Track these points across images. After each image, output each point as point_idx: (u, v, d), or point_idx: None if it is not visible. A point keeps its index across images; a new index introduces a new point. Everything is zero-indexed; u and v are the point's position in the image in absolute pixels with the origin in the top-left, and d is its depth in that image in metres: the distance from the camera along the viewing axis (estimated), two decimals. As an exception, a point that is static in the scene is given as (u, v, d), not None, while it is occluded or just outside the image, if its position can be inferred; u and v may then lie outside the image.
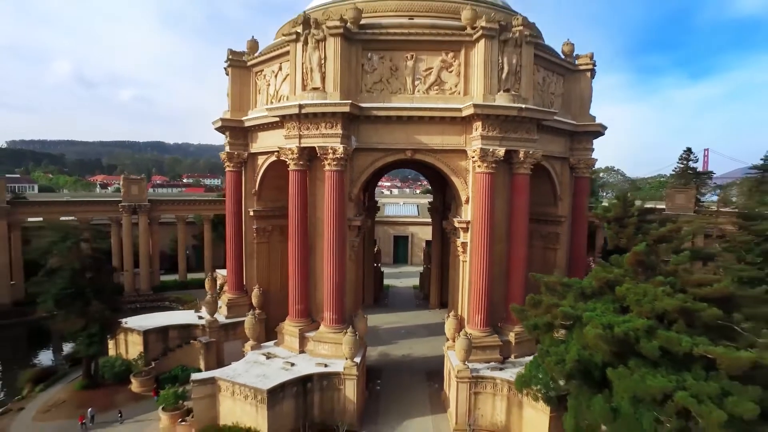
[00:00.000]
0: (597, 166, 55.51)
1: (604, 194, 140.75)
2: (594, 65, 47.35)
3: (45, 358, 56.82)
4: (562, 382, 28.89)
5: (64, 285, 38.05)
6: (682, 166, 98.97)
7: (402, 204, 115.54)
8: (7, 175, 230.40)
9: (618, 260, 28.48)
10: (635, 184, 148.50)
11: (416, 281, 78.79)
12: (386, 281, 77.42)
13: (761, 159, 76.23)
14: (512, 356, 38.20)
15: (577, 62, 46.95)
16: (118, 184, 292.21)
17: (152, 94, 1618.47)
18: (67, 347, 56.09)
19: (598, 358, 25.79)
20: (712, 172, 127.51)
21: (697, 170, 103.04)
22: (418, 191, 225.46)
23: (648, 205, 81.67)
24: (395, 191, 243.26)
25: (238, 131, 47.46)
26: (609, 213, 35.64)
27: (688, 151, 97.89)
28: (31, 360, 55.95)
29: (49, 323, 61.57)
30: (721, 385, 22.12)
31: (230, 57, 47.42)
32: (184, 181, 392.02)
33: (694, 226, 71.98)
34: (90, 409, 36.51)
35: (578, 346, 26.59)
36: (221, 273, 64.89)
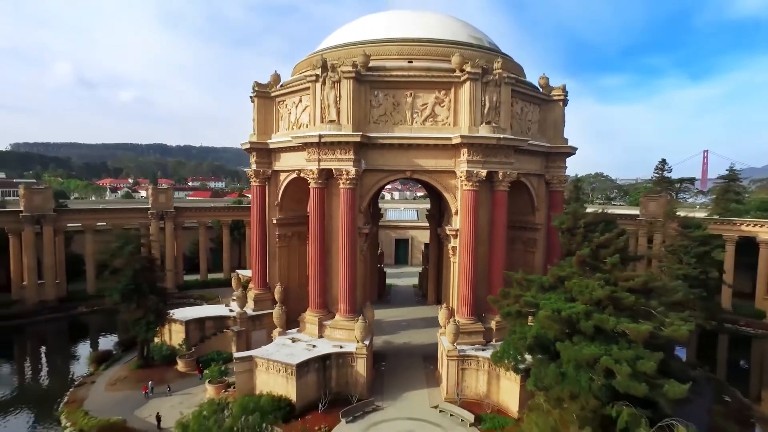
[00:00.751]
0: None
1: (594, 198, 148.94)
2: (566, 95, 55.78)
3: (102, 343, 64.54)
4: (527, 356, 37.21)
5: (127, 282, 46.29)
6: (657, 175, 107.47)
7: (402, 209, 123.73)
8: (23, 180, 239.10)
9: (569, 261, 36.75)
10: (623, 189, 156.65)
11: (416, 280, 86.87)
12: (388, 280, 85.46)
13: (726, 170, 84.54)
14: (494, 340, 46.38)
15: (551, 93, 55.27)
16: (127, 188, 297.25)
17: (153, 95, 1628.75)
18: (108, 339, 64.47)
19: (551, 335, 34.10)
20: (694, 179, 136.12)
21: (672, 178, 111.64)
22: (418, 194, 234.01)
23: (631, 211, 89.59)
24: (396, 194, 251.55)
25: (263, 152, 55.78)
26: (563, 225, 43.64)
27: (663, 162, 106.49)
28: (76, 348, 64.38)
29: (83, 321, 70.35)
30: (636, 352, 30.47)
31: (256, 89, 55.83)
32: (189, 184, 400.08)
33: (642, 231, 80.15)
34: (150, 382, 44.88)
35: (537, 326, 34.92)
36: (241, 272, 73.46)
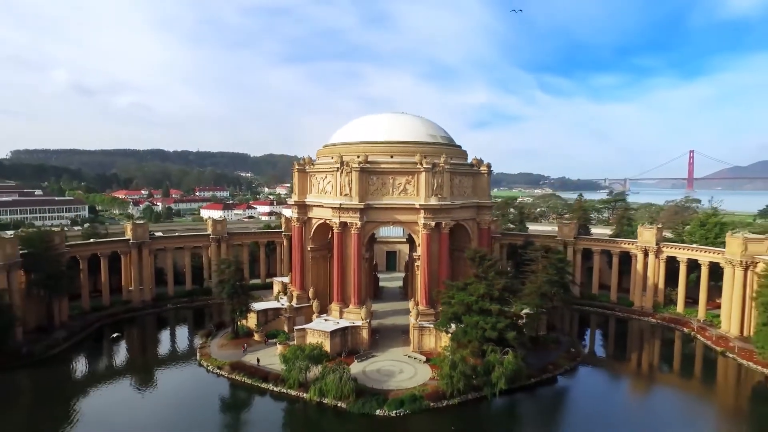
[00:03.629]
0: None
1: (547, 218, 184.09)
2: (489, 168, 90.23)
3: (195, 327, 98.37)
4: (452, 324, 71.47)
5: (231, 287, 79.91)
6: (609, 197, 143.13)
7: (392, 226, 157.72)
8: (58, 197, 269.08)
9: (472, 275, 71.23)
10: (572, 207, 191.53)
11: (401, 283, 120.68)
12: (381, 283, 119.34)
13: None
14: (439, 318, 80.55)
15: (480, 169, 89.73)
16: (147, 201, 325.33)
17: (149, 100, 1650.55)
18: (192, 325, 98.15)
19: (460, 312, 68.61)
20: (625, 197, 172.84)
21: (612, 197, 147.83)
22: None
23: (553, 234, 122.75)
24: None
25: (301, 206, 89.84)
26: (469, 255, 77.23)
27: (611, 191, 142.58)
28: (180, 329, 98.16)
29: (172, 314, 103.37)
30: (496, 319, 65.17)
31: (296, 167, 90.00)
32: (198, 194, 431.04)
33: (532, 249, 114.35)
34: (245, 344, 78.79)
35: (455, 308, 69.35)
36: (277, 279, 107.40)
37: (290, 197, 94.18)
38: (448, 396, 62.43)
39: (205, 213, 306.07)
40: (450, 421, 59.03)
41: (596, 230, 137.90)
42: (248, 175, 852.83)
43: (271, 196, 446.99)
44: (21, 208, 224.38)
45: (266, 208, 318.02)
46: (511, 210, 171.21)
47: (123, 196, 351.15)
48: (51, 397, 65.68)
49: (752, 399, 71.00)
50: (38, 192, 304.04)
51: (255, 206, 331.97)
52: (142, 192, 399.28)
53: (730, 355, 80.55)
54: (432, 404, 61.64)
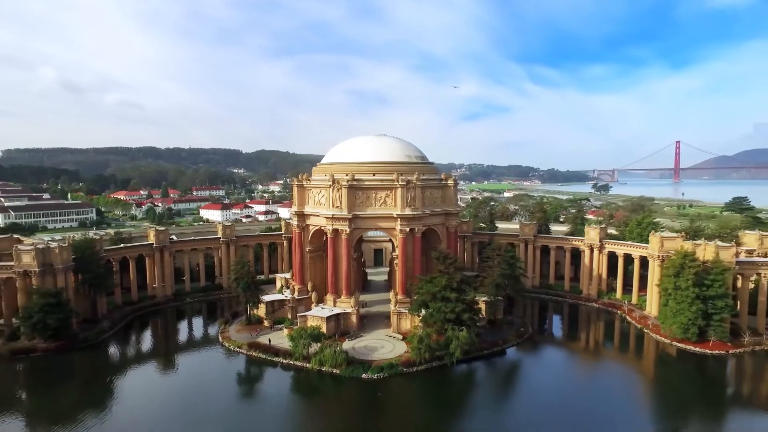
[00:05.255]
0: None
1: (520, 217, 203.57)
2: (455, 181, 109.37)
3: (215, 316, 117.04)
4: (422, 310, 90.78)
5: (245, 283, 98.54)
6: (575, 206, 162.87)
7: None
8: (66, 201, 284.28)
9: (437, 271, 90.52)
10: (543, 205, 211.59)
11: (386, 276, 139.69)
12: (369, 277, 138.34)
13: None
14: (413, 304, 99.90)
15: (448, 182, 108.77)
16: (148, 202, 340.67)
17: (138, 97, 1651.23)
18: (209, 315, 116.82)
19: (428, 300, 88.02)
20: (585, 203, 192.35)
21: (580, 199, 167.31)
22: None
23: (517, 232, 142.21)
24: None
25: (300, 215, 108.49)
26: (435, 254, 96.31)
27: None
28: (198, 319, 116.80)
29: (191, 307, 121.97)
30: (454, 305, 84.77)
31: (296, 183, 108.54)
32: (195, 194, 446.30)
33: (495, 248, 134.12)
34: (258, 329, 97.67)
35: (423, 297, 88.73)
36: (279, 275, 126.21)
37: (282, 192, 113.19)
38: (417, 364, 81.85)
39: (204, 213, 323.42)
40: (418, 383, 78.63)
41: (556, 228, 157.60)
42: (241, 171, 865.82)
43: (266, 194, 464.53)
44: (34, 212, 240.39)
45: (262, 207, 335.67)
46: (491, 205, 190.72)
47: (124, 197, 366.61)
48: (108, 371, 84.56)
49: (655, 363, 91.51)
50: (46, 196, 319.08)
51: (251, 205, 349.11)
52: (141, 193, 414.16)
53: (646, 331, 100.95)
54: (405, 369, 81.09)
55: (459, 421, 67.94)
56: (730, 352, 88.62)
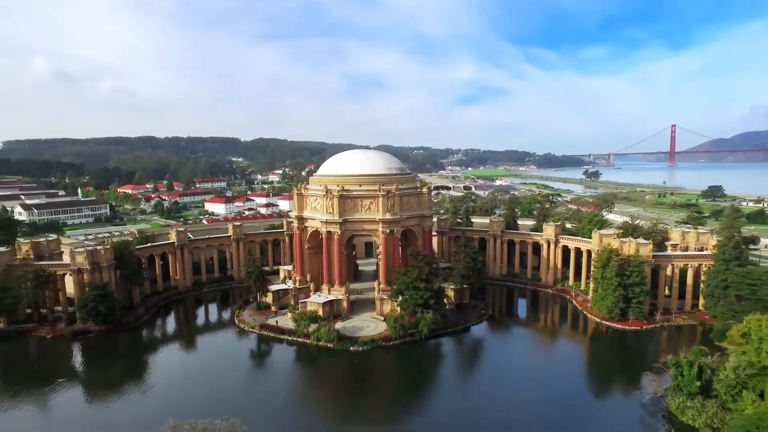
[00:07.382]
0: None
1: (500, 210, 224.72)
2: (430, 188, 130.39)
3: (230, 303, 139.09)
4: (399, 297, 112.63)
5: (256, 275, 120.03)
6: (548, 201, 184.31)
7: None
8: (85, 197, 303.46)
9: (411, 265, 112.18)
10: (519, 201, 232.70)
11: (375, 267, 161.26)
12: (360, 267, 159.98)
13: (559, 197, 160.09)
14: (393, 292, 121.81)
15: (423, 189, 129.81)
16: (155, 196, 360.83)
17: (132, 85, 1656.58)
18: (223, 302, 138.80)
19: (403, 288, 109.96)
20: (559, 198, 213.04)
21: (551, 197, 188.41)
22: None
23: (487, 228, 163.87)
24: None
25: (300, 219, 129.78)
26: (409, 252, 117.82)
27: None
28: (214, 305, 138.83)
29: (207, 296, 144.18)
30: (424, 293, 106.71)
31: (296, 192, 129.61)
32: (198, 186, 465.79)
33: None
34: (267, 313, 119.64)
35: (400, 286, 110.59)
36: (283, 267, 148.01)
37: (282, 183, 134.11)
38: (393, 339, 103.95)
39: (208, 206, 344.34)
40: (394, 354, 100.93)
41: (526, 222, 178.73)
42: (240, 160, 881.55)
43: (266, 186, 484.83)
44: (54, 209, 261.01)
45: (263, 200, 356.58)
46: (472, 200, 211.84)
47: (131, 191, 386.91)
48: (149, 348, 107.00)
49: (589, 337, 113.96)
50: (61, 192, 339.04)
51: (253, 198, 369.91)
52: (147, 186, 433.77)
53: (585, 312, 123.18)
54: (383, 344, 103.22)
55: (426, 382, 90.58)
56: (644, 327, 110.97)
